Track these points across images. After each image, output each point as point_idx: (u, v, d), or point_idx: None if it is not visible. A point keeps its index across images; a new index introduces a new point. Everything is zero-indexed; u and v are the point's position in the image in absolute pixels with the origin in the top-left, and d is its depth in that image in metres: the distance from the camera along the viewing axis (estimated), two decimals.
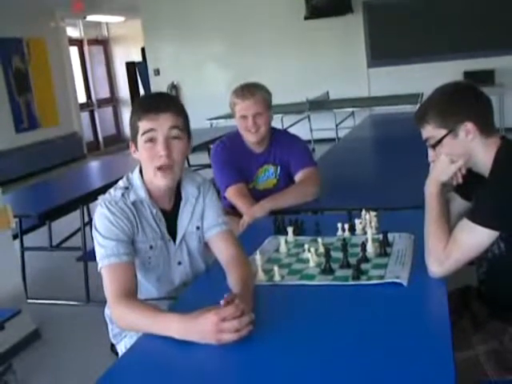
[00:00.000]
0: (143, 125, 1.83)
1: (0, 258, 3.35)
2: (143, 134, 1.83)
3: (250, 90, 2.95)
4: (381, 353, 1.42)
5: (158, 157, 1.84)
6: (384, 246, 2.03)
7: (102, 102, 12.91)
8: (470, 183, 1.84)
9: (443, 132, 1.78)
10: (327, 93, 9.76)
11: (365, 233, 2.18)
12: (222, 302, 1.54)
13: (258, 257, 1.97)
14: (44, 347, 3.49)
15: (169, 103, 1.88)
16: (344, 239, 2.01)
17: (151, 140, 1.83)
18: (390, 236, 2.12)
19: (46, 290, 4.35)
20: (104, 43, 13.20)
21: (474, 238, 1.69)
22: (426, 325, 1.57)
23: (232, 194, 2.95)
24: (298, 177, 3.00)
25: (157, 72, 11.23)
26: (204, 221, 2.03)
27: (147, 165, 1.88)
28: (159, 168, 1.85)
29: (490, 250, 1.79)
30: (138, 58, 12.82)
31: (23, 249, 4.31)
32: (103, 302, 1.89)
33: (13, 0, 8.73)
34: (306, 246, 2.07)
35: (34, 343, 3.51)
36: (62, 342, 3.54)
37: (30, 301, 3.80)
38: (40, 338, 3.57)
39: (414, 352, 1.40)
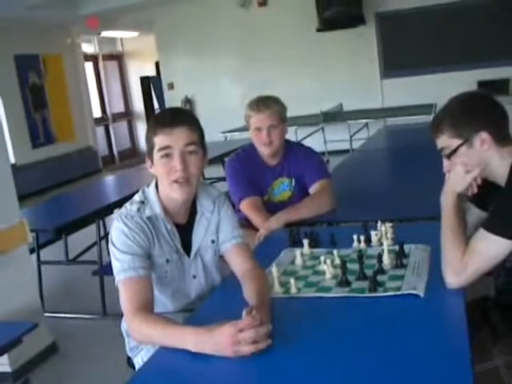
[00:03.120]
0: (159, 140, 1.84)
1: (17, 272, 3.38)
2: (159, 150, 1.84)
3: (265, 103, 2.96)
4: (398, 365, 1.41)
5: (174, 171, 1.85)
6: (400, 258, 2.02)
7: (117, 117, 13.02)
8: (485, 193, 1.83)
9: (458, 142, 1.78)
10: (341, 104, 9.76)
11: (381, 244, 2.17)
12: (244, 312, 1.54)
13: (274, 269, 1.97)
14: (61, 361, 3.50)
15: (184, 118, 1.89)
16: (360, 251, 2.00)
17: (167, 155, 1.84)
18: (407, 247, 2.11)
19: (63, 303, 4.38)
20: (118, 58, 13.33)
21: (491, 247, 1.68)
22: (444, 336, 1.55)
23: (246, 207, 2.95)
24: (312, 189, 3.00)
25: (171, 86, 11.30)
26: (219, 234, 2.04)
27: (163, 179, 1.89)
28: (175, 181, 1.86)
29: (507, 260, 1.77)
30: (152, 72, 12.93)
31: (40, 263, 4.34)
32: (119, 316, 1.90)
33: (29, 17, 8.83)
34: (322, 258, 2.06)
35: (52, 357, 3.53)
36: (78, 355, 3.55)
37: (46, 314, 3.82)
38: (57, 351, 3.59)
39: (432, 364, 1.38)
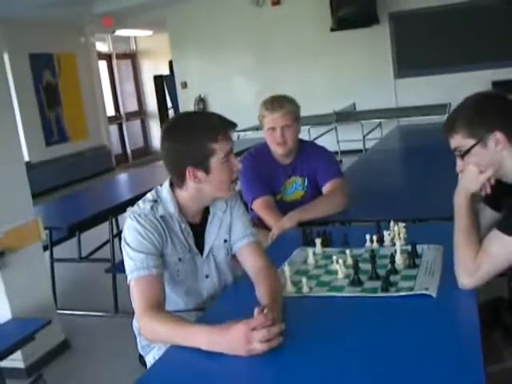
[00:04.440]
0: (222, 146, 1.85)
1: (31, 270, 3.40)
2: (226, 155, 1.87)
3: (279, 103, 2.96)
4: (410, 365, 1.40)
5: (233, 172, 1.91)
6: (413, 258, 2.01)
7: (131, 115, 13.06)
8: (499, 194, 1.82)
9: (472, 142, 1.77)
10: (354, 104, 9.74)
11: (393, 244, 2.17)
12: (256, 310, 1.54)
13: (286, 268, 1.97)
14: (73, 357, 3.52)
15: (231, 121, 1.93)
16: (372, 251, 2.00)
17: (228, 159, 1.89)
18: (419, 247, 2.10)
19: (75, 300, 4.40)
20: (132, 57, 13.37)
21: (505, 248, 1.67)
22: (456, 337, 1.55)
23: (259, 206, 2.95)
24: (325, 188, 2.99)
25: (184, 85, 11.31)
26: (232, 233, 2.04)
27: (224, 182, 1.91)
28: (234, 181, 1.94)
29: None
30: (165, 71, 12.94)
31: (53, 260, 4.37)
32: (131, 314, 1.91)
33: (43, 16, 8.90)
34: (335, 258, 2.06)
35: (64, 353, 3.55)
36: (90, 352, 3.58)
37: (59, 311, 3.84)
38: (69, 348, 3.61)
39: (444, 365, 1.38)
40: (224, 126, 1.89)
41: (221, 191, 1.93)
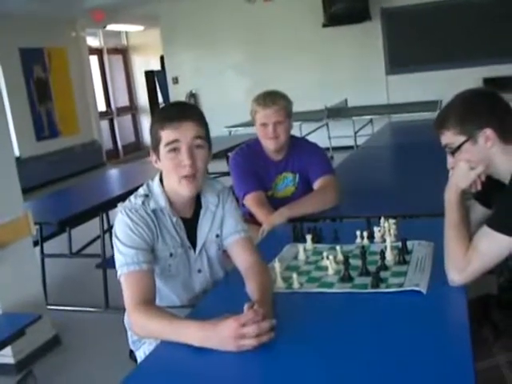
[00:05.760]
0: (166, 134, 1.84)
1: (21, 265, 3.39)
2: (167, 144, 1.84)
3: (272, 98, 2.95)
4: (399, 361, 1.41)
5: (182, 166, 1.85)
6: (403, 254, 2.02)
7: (122, 111, 13.01)
8: (489, 190, 1.83)
9: (462, 138, 1.77)
10: (345, 100, 9.74)
11: (384, 240, 2.17)
12: (245, 306, 1.55)
13: (276, 264, 1.97)
14: (64, 353, 3.52)
15: (191, 112, 1.89)
16: (363, 247, 2.01)
17: (175, 150, 1.84)
18: (409, 244, 2.11)
19: (66, 296, 4.39)
20: (123, 52, 13.32)
21: (495, 245, 1.68)
22: (446, 333, 1.55)
23: (250, 201, 2.95)
24: (316, 185, 2.99)
25: (175, 80, 11.29)
26: (223, 228, 2.04)
27: (171, 174, 1.88)
28: (184, 177, 1.86)
29: (510, 258, 1.77)
30: (156, 66, 12.92)
31: (43, 255, 4.35)
32: (122, 309, 1.90)
33: (34, 10, 8.84)
34: (325, 254, 2.06)
35: (54, 349, 3.54)
36: (81, 348, 3.57)
37: (49, 307, 3.83)
38: (60, 343, 3.60)
39: (434, 361, 1.38)
40: (173, 115, 1.86)
41: (172, 182, 1.89)
